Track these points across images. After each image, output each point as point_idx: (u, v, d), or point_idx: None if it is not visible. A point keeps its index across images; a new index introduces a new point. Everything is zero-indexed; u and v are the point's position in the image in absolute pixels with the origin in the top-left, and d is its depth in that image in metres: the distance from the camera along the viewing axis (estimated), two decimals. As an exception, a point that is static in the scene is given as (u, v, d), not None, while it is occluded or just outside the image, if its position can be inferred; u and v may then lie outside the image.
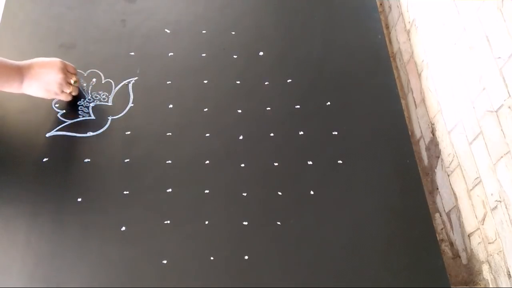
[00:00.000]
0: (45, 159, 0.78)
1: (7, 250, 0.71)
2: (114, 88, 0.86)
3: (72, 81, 0.79)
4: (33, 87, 0.75)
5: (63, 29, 0.93)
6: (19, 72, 0.73)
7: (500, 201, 0.73)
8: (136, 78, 0.88)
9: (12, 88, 0.74)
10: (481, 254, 0.80)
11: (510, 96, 0.69)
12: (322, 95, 0.88)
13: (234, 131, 0.83)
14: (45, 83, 0.75)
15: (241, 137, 0.83)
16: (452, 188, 0.89)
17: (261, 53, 0.92)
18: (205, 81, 0.88)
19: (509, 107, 0.69)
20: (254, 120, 0.85)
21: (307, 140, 0.83)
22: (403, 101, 1.11)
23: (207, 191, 0.78)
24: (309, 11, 0.99)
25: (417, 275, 0.72)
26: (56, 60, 0.76)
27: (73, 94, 0.81)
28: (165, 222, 0.75)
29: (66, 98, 0.80)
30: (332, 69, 0.91)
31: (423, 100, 1.01)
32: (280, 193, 0.78)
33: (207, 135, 0.83)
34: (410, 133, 0.95)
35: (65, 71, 0.77)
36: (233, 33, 0.95)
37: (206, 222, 0.75)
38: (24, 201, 0.75)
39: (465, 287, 0.85)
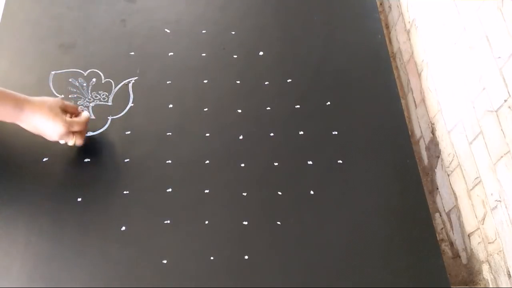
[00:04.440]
0: (45, 159, 0.78)
1: (7, 250, 0.71)
2: (114, 88, 0.86)
3: (69, 143, 0.75)
4: (27, 127, 0.71)
5: (63, 29, 0.93)
6: (18, 109, 0.69)
7: (500, 201, 0.73)
8: (136, 78, 0.88)
9: (7, 121, 0.70)
10: (481, 254, 0.80)
11: (510, 96, 0.69)
12: (322, 95, 0.88)
13: (234, 131, 0.83)
14: (38, 132, 0.72)
15: (241, 137, 0.83)
16: (452, 188, 0.89)
17: (261, 53, 0.92)
18: (205, 81, 0.88)
19: (509, 107, 0.69)
20: (254, 120, 0.85)
21: (307, 140, 0.83)
22: (403, 101, 1.11)
23: (207, 191, 0.78)
24: (309, 11, 0.99)
25: (417, 275, 0.72)
26: (60, 125, 0.71)
27: (69, 144, 0.76)
28: (165, 222, 0.75)
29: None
30: (332, 69, 0.91)
31: (423, 100, 1.01)
32: (280, 193, 0.78)
33: (207, 135, 0.83)
34: (410, 133, 0.95)
35: (63, 136, 0.72)
36: (233, 33, 0.95)
37: (206, 222, 0.75)
38: (24, 201, 0.75)
39: (465, 287, 0.85)
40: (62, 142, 0.76)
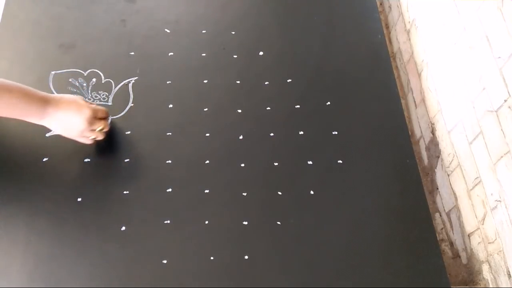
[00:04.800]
0: (45, 159, 0.78)
1: (7, 250, 0.71)
2: (114, 88, 0.86)
3: (97, 129, 0.75)
4: (53, 125, 0.72)
5: (63, 29, 0.93)
6: (42, 106, 0.69)
7: (500, 201, 0.73)
8: (136, 78, 0.88)
9: (31, 120, 0.70)
10: (481, 254, 0.80)
11: (510, 96, 0.69)
12: (322, 95, 0.88)
13: (234, 131, 0.83)
14: (66, 127, 0.72)
15: (241, 137, 0.83)
16: (452, 188, 0.89)
17: (261, 53, 0.92)
18: (205, 81, 0.88)
19: (509, 107, 0.69)
20: (254, 120, 0.85)
21: (307, 140, 0.83)
22: (403, 101, 1.11)
23: (207, 191, 0.78)
24: (309, 11, 0.99)
25: (417, 275, 0.72)
26: (86, 109, 0.71)
27: (98, 139, 0.77)
28: (165, 222, 0.75)
29: (85, 141, 0.77)
30: (332, 69, 0.91)
31: (423, 100, 1.01)
32: (280, 193, 0.78)
33: (207, 135, 0.83)
34: (410, 133, 0.95)
35: (92, 120, 0.73)
36: (233, 33, 0.95)
37: (206, 222, 0.75)
38: (24, 201, 0.75)
39: (465, 287, 0.85)
40: (88, 140, 0.76)
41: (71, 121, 0.71)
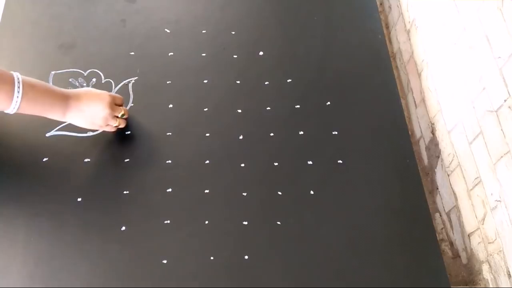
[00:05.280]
0: (45, 159, 0.78)
1: (7, 250, 0.71)
2: (114, 88, 0.86)
3: (119, 115, 0.77)
4: (77, 118, 0.73)
5: (63, 29, 0.93)
6: (65, 101, 0.70)
7: (500, 201, 0.73)
8: (136, 78, 0.88)
9: (54, 116, 0.71)
10: (481, 254, 0.80)
11: (510, 96, 0.69)
12: (322, 95, 0.88)
13: (234, 131, 0.83)
14: (90, 117, 0.73)
15: (241, 137, 0.83)
16: (452, 188, 0.89)
17: (261, 53, 0.92)
18: (205, 81, 0.88)
19: (509, 107, 0.69)
20: (254, 120, 0.85)
21: (307, 140, 0.83)
22: (403, 101, 1.11)
23: (207, 191, 0.78)
24: (309, 11, 0.99)
25: (417, 275, 0.72)
26: (105, 95, 0.74)
27: (120, 126, 0.78)
28: (165, 222, 0.75)
29: (110, 130, 0.78)
30: (332, 69, 0.91)
31: (423, 100, 1.01)
32: (280, 193, 0.78)
33: (207, 135, 0.83)
34: (410, 133, 0.95)
35: (113, 105, 0.74)
36: (233, 33, 0.95)
37: (206, 222, 0.75)
38: (24, 201, 0.75)
39: (465, 287, 0.85)
40: (112, 128, 0.77)
41: (94, 110, 0.73)
